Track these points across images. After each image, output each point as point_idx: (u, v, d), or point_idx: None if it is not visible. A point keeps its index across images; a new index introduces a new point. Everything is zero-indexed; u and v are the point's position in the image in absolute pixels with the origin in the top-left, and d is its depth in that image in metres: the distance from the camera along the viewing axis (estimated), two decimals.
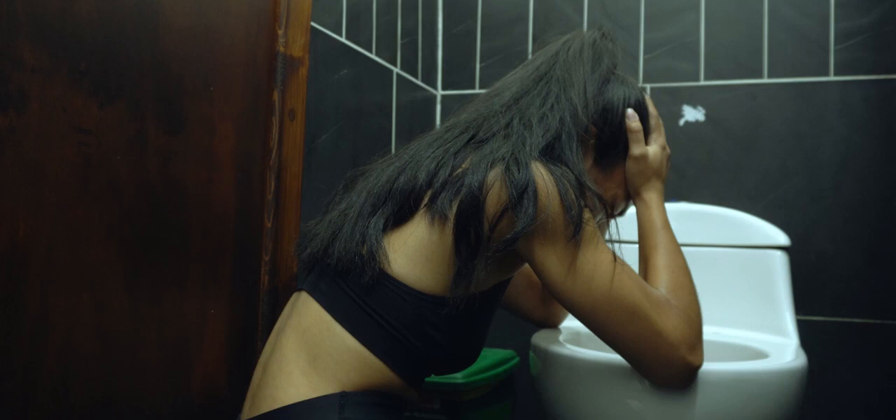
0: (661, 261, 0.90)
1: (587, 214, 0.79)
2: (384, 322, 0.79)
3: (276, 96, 1.13)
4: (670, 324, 0.81)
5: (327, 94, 1.28)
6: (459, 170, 0.80)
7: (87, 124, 0.79)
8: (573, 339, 1.14)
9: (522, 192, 0.75)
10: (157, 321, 0.91)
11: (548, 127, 0.84)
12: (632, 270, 0.83)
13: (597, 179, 0.95)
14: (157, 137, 0.90)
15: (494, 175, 0.77)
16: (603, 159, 0.95)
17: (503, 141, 0.82)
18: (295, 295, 0.89)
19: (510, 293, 1.13)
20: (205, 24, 0.98)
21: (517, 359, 1.45)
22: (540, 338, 1.10)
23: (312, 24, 1.21)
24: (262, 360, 0.87)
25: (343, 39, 1.33)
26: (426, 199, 0.80)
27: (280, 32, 1.14)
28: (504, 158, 0.78)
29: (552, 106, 0.87)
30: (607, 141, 0.94)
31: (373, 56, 1.45)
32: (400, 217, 0.82)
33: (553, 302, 1.19)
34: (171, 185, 0.93)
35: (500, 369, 1.35)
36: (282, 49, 1.14)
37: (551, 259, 0.79)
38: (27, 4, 0.72)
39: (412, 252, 0.79)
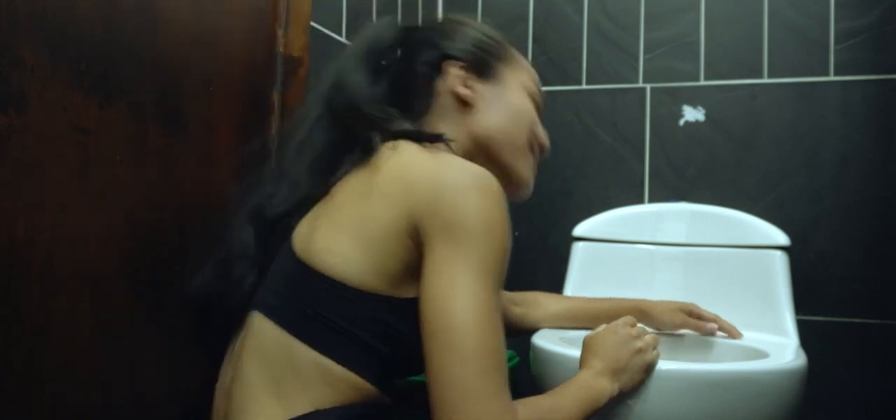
0: (548, 402, 0.81)
1: None
2: (337, 327, 0.77)
3: (275, 96, 1.13)
4: (493, 405, 0.69)
5: None
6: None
7: (87, 124, 0.79)
8: (573, 339, 1.14)
9: None
10: (158, 321, 0.91)
11: None
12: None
13: None
14: (157, 137, 0.90)
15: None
16: None
17: None
18: (249, 315, 0.85)
19: None
20: (205, 24, 0.98)
21: (517, 359, 1.45)
22: (540, 338, 1.10)
23: (312, 24, 1.21)
24: (222, 385, 0.85)
25: (343, 39, 1.33)
26: None
27: (280, 33, 1.14)
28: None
29: None
30: None
31: None
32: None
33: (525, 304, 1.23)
34: (171, 185, 0.92)
35: None
36: (282, 49, 1.14)
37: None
38: (27, 4, 0.72)
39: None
